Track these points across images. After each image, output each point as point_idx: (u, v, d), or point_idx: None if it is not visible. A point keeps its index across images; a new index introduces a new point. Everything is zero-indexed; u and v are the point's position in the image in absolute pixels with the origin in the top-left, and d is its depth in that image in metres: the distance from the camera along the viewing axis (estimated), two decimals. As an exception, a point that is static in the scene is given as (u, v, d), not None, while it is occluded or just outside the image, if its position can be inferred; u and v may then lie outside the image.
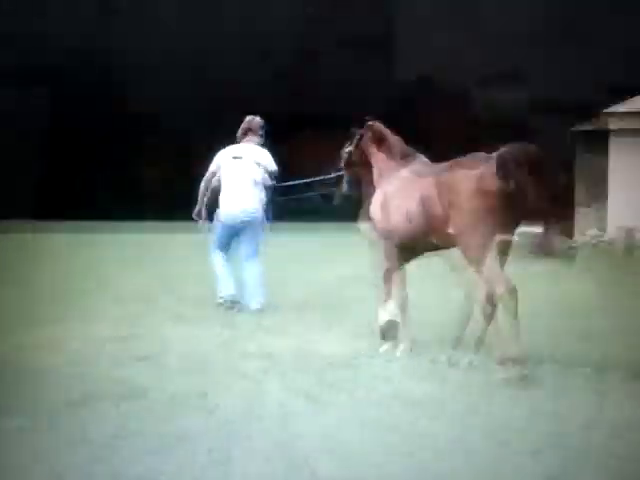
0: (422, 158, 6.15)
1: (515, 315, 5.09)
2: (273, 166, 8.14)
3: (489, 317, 5.46)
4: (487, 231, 5.22)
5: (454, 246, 5.52)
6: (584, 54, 25.92)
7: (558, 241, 5.48)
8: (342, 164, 6.73)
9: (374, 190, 6.29)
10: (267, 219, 8.17)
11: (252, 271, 7.95)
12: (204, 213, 8.18)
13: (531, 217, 5.42)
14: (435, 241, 5.66)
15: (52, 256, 13.22)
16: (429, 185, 5.55)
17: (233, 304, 7.82)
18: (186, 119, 26.94)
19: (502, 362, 5.15)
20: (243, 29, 28.52)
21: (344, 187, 6.72)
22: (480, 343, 5.53)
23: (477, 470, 3.64)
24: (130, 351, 5.80)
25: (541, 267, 8.66)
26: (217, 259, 8.11)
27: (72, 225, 19.99)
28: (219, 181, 8.11)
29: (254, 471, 3.60)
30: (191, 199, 8.28)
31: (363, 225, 6.43)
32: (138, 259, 12.88)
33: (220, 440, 3.93)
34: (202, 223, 8.20)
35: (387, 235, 6.02)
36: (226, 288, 7.95)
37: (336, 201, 6.86)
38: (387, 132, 6.37)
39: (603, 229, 18.49)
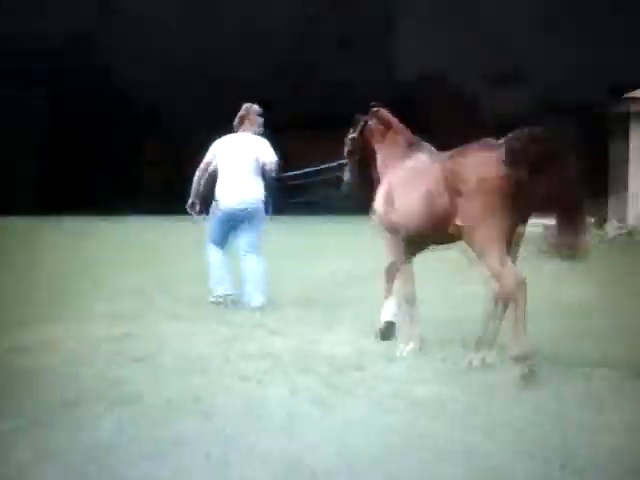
0: (428, 147, 5.89)
1: (523, 310, 4.89)
2: (273, 156, 7.77)
3: (501, 314, 5.30)
4: (497, 221, 4.96)
5: (462, 239, 5.25)
6: (584, 54, 25.87)
7: (582, 239, 5.04)
8: (345, 152, 6.42)
9: (378, 180, 6.04)
10: (266, 212, 7.85)
11: (252, 266, 7.61)
12: (198, 205, 7.82)
13: (545, 208, 5.10)
14: (443, 234, 5.35)
15: (50, 254, 13.14)
16: (436, 173, 5.29)
17: (227, 301, 7.54)
18: (186, 119, 26.88)
19: (517, 359, 4.96)
20: (243, 29, 28.47)
21: (346, 176, 6.39)
22: (493, 341, 5.36)
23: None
24: (126, 352, 5.71)
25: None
26: (213, 253, 7.75)
27: (71, 225, 19.94)
28: (215, 171, 7.78)
29: (253, 476, 3.54)
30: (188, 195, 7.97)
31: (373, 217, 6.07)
32: (137, 258, 12.81)
33: (218, 444, 3.86)
34: (196, 216, 7.84)
35: (392, 228, 5.77)
36: (221, 286, 7.66)
37: (343, 188, 6.46)
38: (393, 119, 6.13)
39: (623, 220, 17.70)
